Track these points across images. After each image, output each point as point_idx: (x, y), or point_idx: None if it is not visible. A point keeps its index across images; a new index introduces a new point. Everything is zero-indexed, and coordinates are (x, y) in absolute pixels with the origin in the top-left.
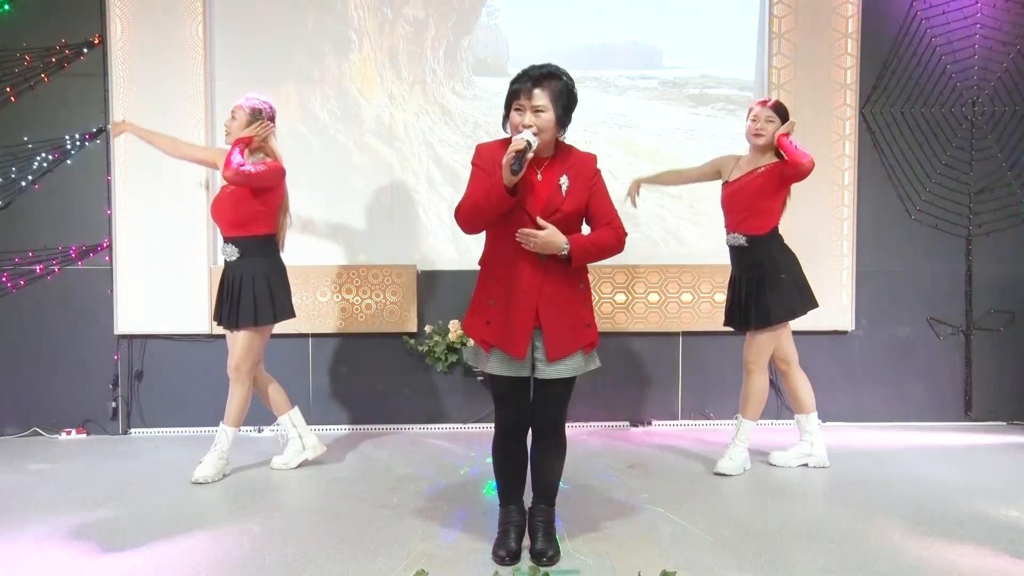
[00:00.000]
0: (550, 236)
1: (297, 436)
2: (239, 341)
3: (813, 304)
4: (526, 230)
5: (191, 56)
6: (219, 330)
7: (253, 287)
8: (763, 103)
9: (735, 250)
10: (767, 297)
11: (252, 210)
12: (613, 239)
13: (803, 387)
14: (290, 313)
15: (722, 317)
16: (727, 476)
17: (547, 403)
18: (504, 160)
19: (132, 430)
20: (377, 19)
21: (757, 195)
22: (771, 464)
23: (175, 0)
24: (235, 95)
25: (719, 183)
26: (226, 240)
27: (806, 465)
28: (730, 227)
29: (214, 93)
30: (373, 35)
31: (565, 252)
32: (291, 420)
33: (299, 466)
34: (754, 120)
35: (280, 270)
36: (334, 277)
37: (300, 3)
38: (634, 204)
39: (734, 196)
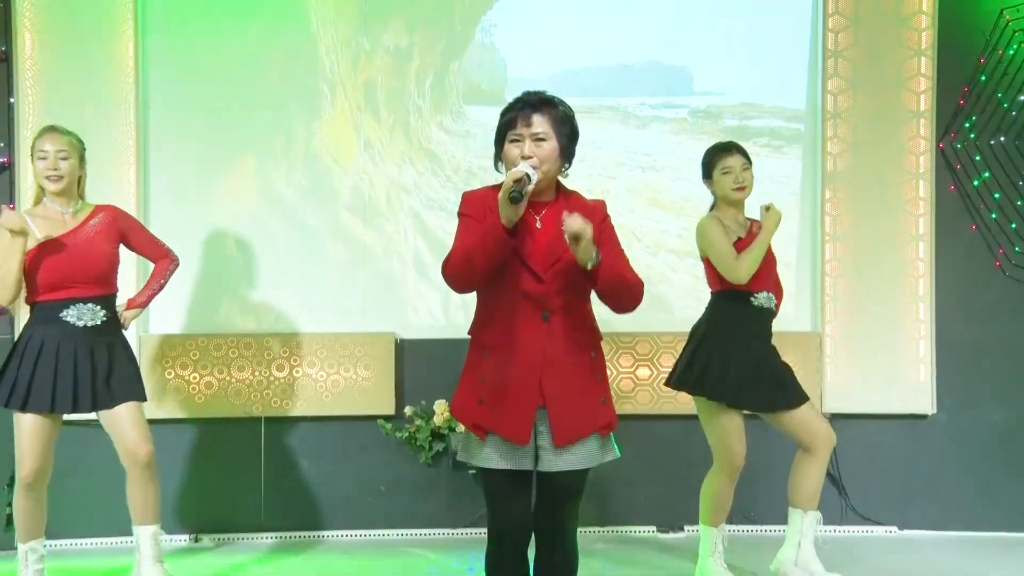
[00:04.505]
0: (588, 226)
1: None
2: (133, 420)
3: None
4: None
5: (119, 79)
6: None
7: (126, 354)
8: (729, 150)
9: (764, 315)
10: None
11: (116, 262)
12: (635, 281)
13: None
14: None
15: None
16: None
17: (554, 503)
18: (500, 193)
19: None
20: (351, 51)
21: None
22: None
23: (99, 13)
24: (173, 124)
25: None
26: (80, 300)
27: None
28: (758, 287)
29: (148, 122)
30: (347, 76)
31: (592, 262)
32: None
33: None
34: (727, 172)
35: None
36: (294, 347)
37: (260, 54)
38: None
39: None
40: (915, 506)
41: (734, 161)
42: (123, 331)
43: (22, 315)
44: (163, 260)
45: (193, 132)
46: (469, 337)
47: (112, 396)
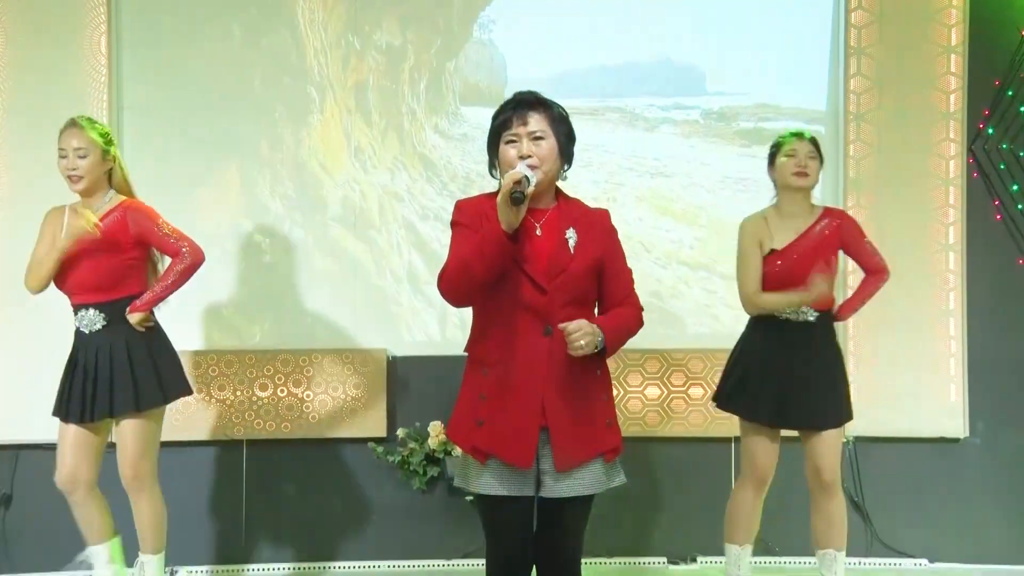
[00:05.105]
0: (586, 326)
1: None
2: (127, 436)
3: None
4: (566, 325)
5: (91, 78)
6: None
7: (131, 361)
8: (800, 136)
9: (794, 327)
10: (840, 388)
11: (124, 265)
12: (636, 320)
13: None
14: (185, 387)
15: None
16: None
17: (556, 532)
18: (500, 196)
19: None
20: (341, 51)
21: (828, 259)
22: None
23: (70, 6)
24: (150, 128)
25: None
26: (83, 306)
27: None
28: None
29: (121, 124)
30: (336, 77)
31: (600, 344)
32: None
33: None
34: (792, 155)
35: (162, 335)
36: (278, 365)
37: (244, 55)
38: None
39: (800, 263)
40: (946, 537)
41: (801, 146)
42: (142, 330)
43: None
44: (173, 259)
45: (172, 138)
46: (466, 355)
47: (113, 406)
